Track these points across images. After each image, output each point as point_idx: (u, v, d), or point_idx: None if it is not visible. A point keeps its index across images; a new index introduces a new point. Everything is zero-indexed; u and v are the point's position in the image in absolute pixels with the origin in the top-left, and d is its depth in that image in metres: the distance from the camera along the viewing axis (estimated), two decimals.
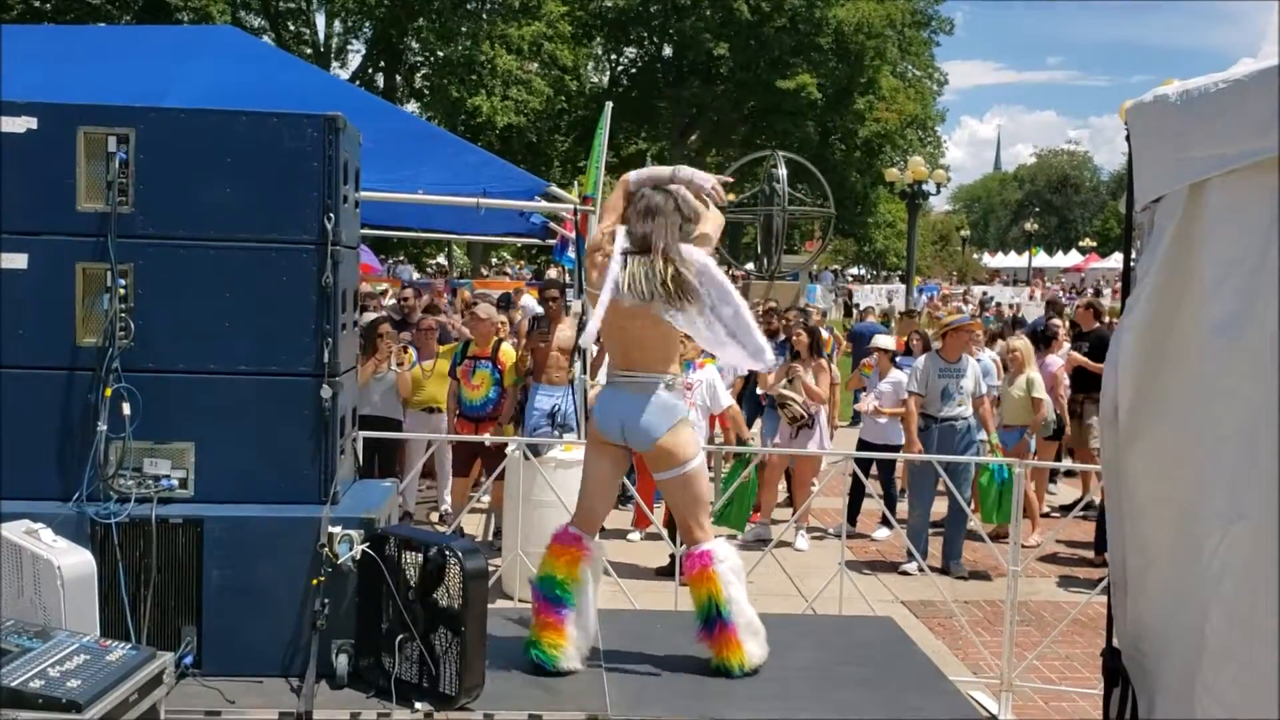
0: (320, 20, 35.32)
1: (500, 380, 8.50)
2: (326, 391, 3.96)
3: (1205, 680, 2.91)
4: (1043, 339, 10.74)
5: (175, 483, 3.90)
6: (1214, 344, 2.90)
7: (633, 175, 4.41)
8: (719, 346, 4.27)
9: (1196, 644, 2.94)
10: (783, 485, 9.87)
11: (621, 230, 4.22)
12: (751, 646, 4.21)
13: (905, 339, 11.49)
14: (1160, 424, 3.16)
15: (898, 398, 9.19)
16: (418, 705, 3.71)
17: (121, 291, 3.83)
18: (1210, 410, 2.92)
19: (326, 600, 3.82)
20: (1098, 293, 37.80)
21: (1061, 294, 36.51)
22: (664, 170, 4.44)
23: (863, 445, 9.39)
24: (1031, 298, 39.98)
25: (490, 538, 8.59)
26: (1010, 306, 31.58)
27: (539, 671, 4.11)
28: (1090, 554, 8.86)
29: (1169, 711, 3.14)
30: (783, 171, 24.80)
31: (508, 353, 8.63)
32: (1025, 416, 9.34)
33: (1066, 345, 11.32)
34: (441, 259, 42.79)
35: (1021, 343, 9.84)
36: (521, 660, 4.21)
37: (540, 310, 9.73)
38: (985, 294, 41.53)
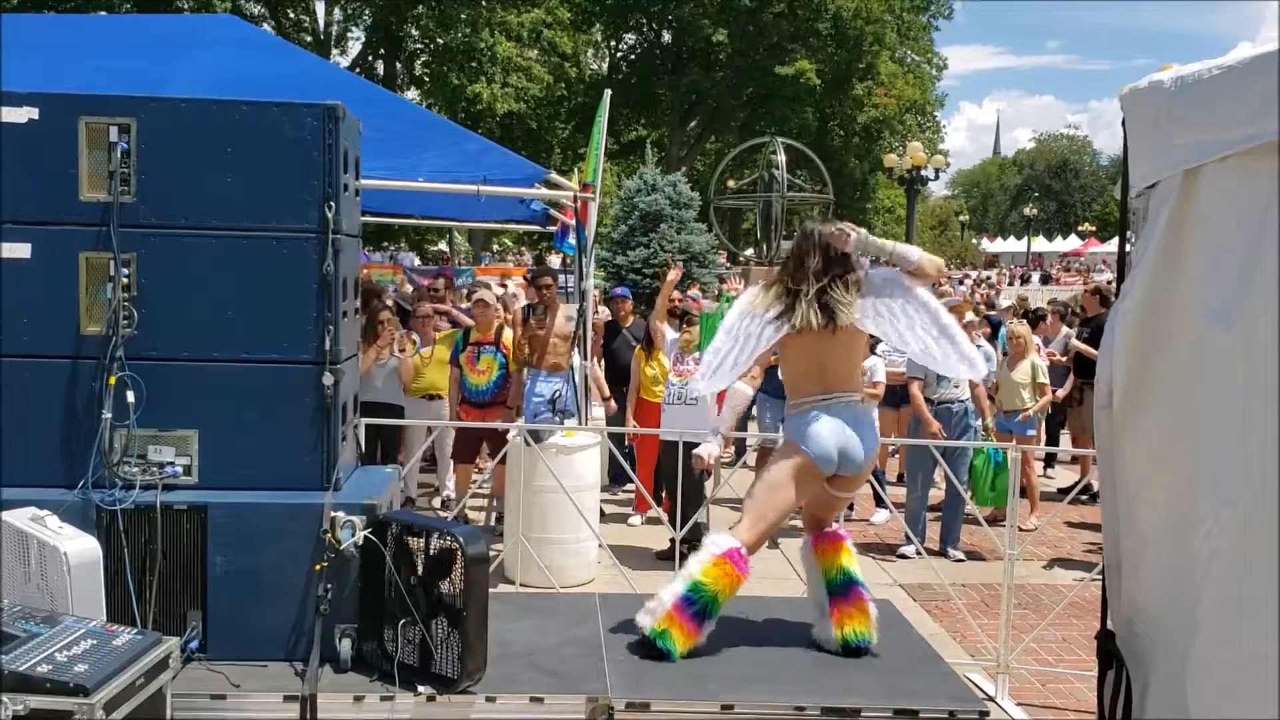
0: (320, 8, 35.21)
1: (505, 365, 8.56)
2: (328, 379, 3.99)
3: (1198, 662, 2.94)
4: (1032, 320, 10.82)
5: (179, 469, 3.94)
6: (1207, 329, 2.92)
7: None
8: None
9: (1189, 626, 2.97)
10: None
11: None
12: (874, 623, 4.41)
13: None
14: (1154, 408, 3.19)
15: (870, 381, 9.30)
16: (420, 689, 3.75)
17: (124, 280, 3.87)
18: (1203, 395, 2.95)
19: (329, 585, 3.87)
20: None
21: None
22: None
23: None
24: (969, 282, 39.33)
25: (492, 523, 8.64)
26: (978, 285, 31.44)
27: (537, 656, 4.16)
28: (1090, 536, 8.91)
29: (1162, 693, 3.17)
30: (781, 158, 24.74)
31: (510, 338, 8.68)
32: (1025, 401, 9.35)
33: (1065, 329, 11.37)
34: (443, 245, 42.78)
35: (1024, 328, 9.86)
36: (524, 644, 4.25)
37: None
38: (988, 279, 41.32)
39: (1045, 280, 42.48)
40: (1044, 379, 9.39)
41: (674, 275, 8.66)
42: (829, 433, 4.34)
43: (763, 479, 4.50)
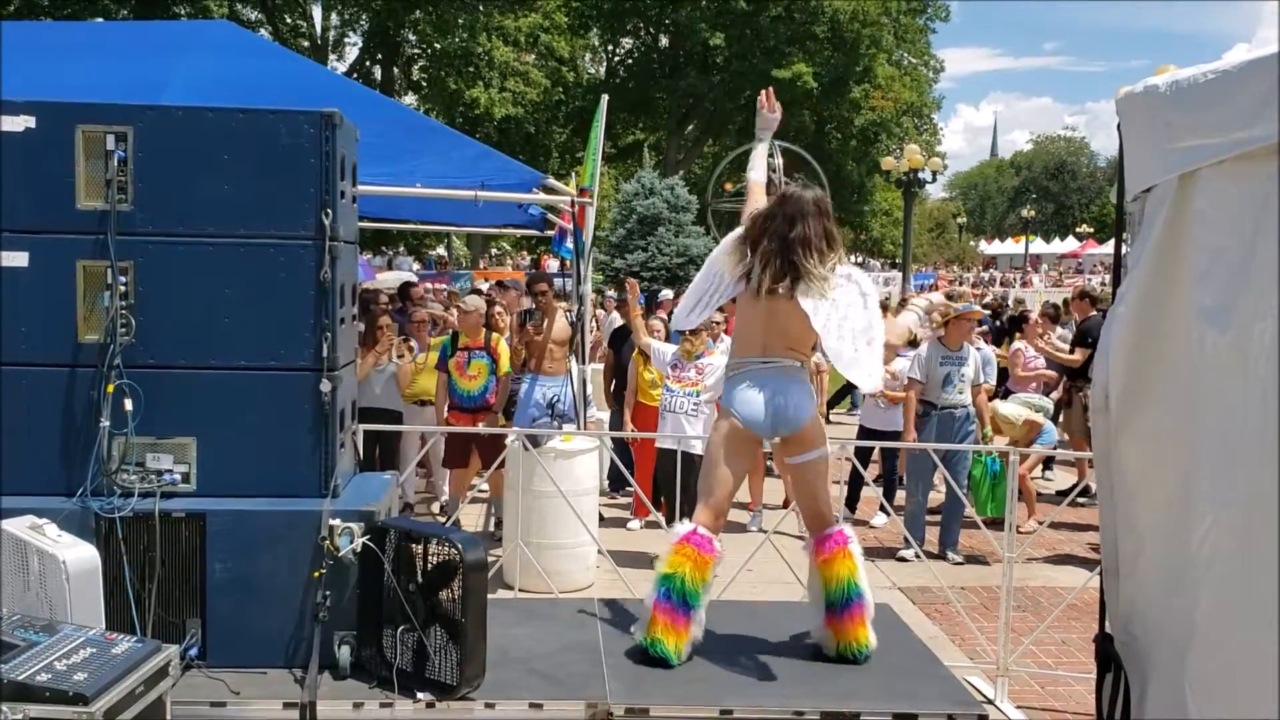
0: (317, 13, 35.22)
1: (495, 369, 8.55)
2: (326, 386, 3.99)
3: (1196, 664, 2.95)
4: (1011, 324, 10.92)
5: (178, 477, 3.95)
6: (1202, 332, 2.93)
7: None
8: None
9: (1187, 628, 2.97)
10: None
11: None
12: (871, 630, 4.35)
13: None
14: (1150, 410, 3.20)
15: (897, 385, 9.18)
16: (419, 695, 3.75)
17: (122, 289, 3.87)
18: (1198, 397, 2.95)
19: (328, 592, 3.87)
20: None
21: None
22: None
23: (864, 432, 9.38)
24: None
25: (490, 528, 8.63)
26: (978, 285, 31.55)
27: (536, 661, 4.15)
28: (1089, 537, 8.91)
29: (1161, 695, 3.18)
30: (779, 161, 24.74)
31: (499, 340, 8.67)
32: (1025, 434, 9.27)
33: (1059, 329, 11.40)
34: (441, 250, 42.82)
35: (987, 430, 9.02)
36: (523, 649, 4.25)
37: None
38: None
39: (1023, 284, 42.77)
40: (1019, 417, 9.21)
41: (633, 294, 8.65)
42: (757, 394, 4.33)
43: (705, 453, 4.56)
